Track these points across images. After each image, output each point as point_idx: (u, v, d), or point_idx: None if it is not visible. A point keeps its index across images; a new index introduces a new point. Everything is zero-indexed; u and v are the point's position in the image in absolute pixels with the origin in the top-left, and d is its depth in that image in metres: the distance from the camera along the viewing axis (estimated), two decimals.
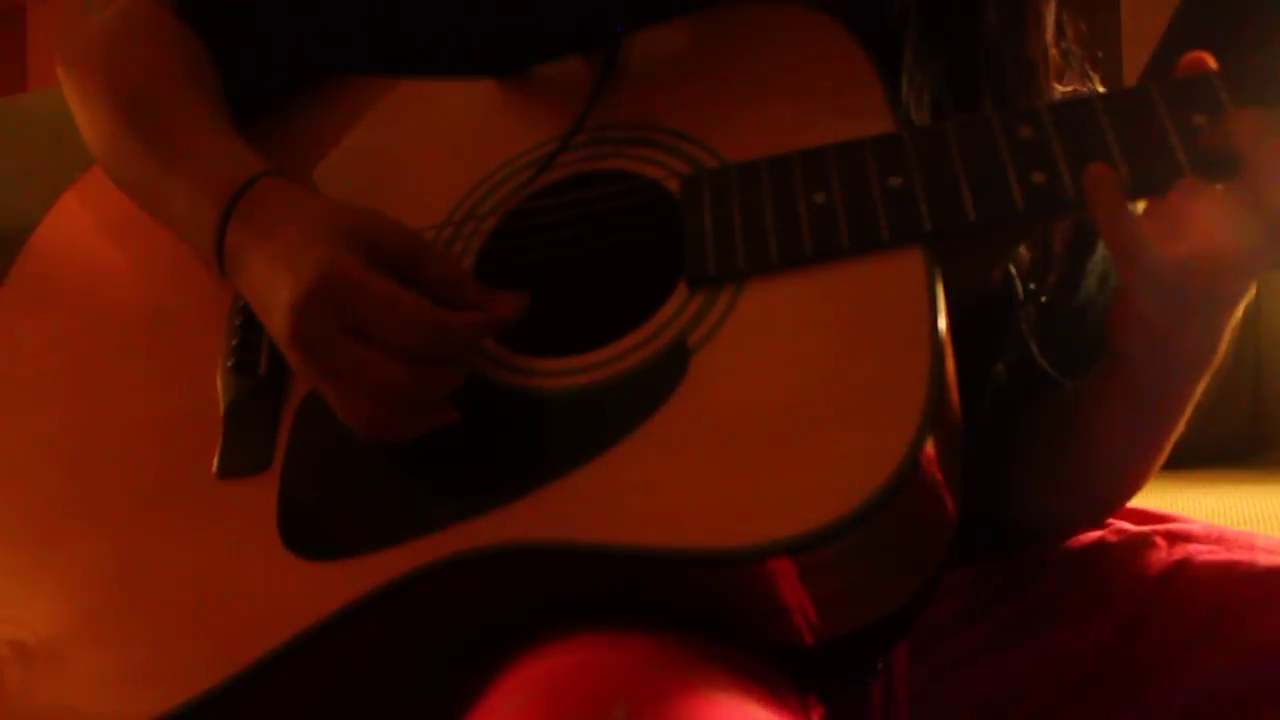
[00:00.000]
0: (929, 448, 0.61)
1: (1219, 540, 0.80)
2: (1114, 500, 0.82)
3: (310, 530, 0.71)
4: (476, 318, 0.69)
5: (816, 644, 0.65)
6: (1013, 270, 0.79)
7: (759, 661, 0.63)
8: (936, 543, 0.66)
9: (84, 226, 0.92)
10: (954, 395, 0.65)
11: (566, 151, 0.78)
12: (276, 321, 0.69)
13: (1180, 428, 0.76)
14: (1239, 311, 0.69)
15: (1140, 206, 0.68)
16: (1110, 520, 0.86)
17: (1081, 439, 0.77)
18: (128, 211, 0.88)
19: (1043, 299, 0.82)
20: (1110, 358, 0.74)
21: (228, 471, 0.75)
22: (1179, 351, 0.70)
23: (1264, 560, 0.76)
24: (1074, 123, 0.68)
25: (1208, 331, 0.69)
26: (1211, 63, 0.67)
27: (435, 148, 0.82)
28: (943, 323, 0.64)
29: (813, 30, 0.77)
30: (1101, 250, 0.86)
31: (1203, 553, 0.79)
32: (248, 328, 0.79)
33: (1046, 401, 0.82)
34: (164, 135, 0.81)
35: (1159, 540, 0.81)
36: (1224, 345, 0.70)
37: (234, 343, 0.78)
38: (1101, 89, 0.88)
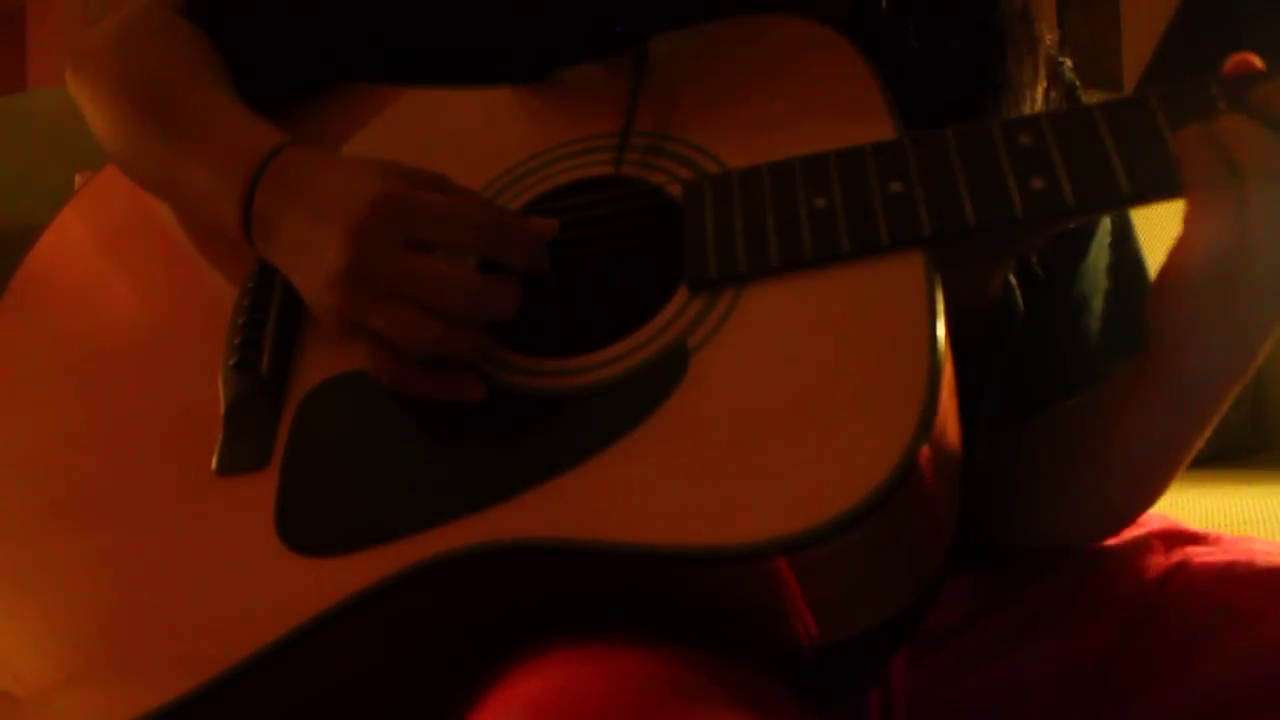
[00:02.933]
0: (926, 450, 0.61)
1: (1216, 542, 0.80)
2: (1126, 515, 0.81)
3: (308, 526, 0.71)
4: (532, 222, 0.72)
5: (814, 650, 0.65)
6: (1012, 280, 0.79)
7: (753, 673, 0.63)
8: (934, 547, 0.67)
9: (84, 235, 0.92)
10: (952, 398, 0.65)
11: (571, 158, 0.79)
12: (330, 261, 0.70)
13: (1202, 442, 0.74)
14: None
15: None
16: None
17: (1096, 450, 0.76)
18: (129, 220, 0.89)
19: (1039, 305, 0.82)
20: (1144, 356, 0.73)
21: (227, 468, 0.75)
22: (1221, 344, 0.68)
23: (1262, 561, 0.76)
24: (1073, 131, 0.68)
25: (1256, 330, 0.68)
26: (1258, 63, 0.66)
27: (444, 153, 0.83)
28: (941, 326, 0.64)
29: (815, 41, 0.78)
30: (1093, 254, 0.86)
31: (1201, 554, 0.79)
32: (251, 326, 0.79)
33: (1053, 414, 0.82)
34: (182, 118, 0.82)
35: (1157, 543, 0.81)
36: (1262, 357, 0.69)
37: (236, 340, 0.79)
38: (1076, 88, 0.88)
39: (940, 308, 0.65)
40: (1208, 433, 0.74)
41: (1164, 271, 0.68)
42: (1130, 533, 0.84)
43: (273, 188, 0.75)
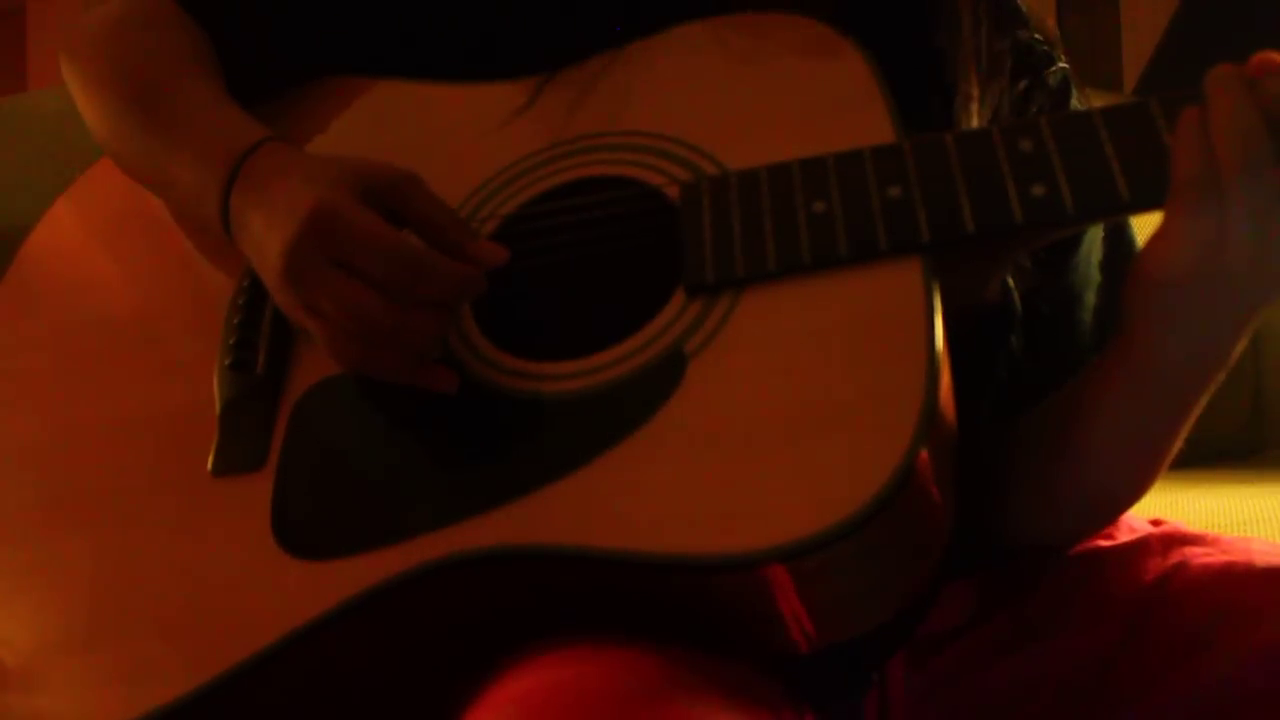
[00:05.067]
0: (924, 457, 0.61)
1: (1214, 543, 0.80)
2: (1111, 509, 0.81)
3: (304, 529, 0.71)
4: (455, 265, 0.71)
5: (810, 653, 0.65)
6: (1010, 283, 0.79)
7: (749, 673, 0.63)
8: (931, 551, 0.66)
9: (78, 230, 0.92)
10: (950, 405, 0.65)
11: (568, 157, 0.79)
12: (272, 264, 0.71)
13: (1181, 439, 0.74)
14: (1258, 317, 0.68)
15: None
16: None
17: (1078, 441, 0.76)
18: (123, 214, 0.89)
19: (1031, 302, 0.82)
20: (1118, 338, 0.73)
21: (223, 469, 0.75)
22: (1194, 337, 0.69)
23: (1261, 561, 0.75)
24: (1073, 136, 0.68)
25: (1229, 326, 0.68)
26: None
27: (436, 151, 0.82)
28: (939, 333, 0.64)
29: (815, 38, 0.77)
30: (1085, 247, 0.86)
31: (1199, 555, 0.78)
32: (246, 326, 0.79)
33: (1037, 410, 0.82)
34: (167, 110, 0.83)
35: (1155, 544, 0.81)
36: (1236, 355, 0.69)
37: (231, 341, 0.78)
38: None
39: (938, 314, 0.64)
40: (1186, 426, 0.74)
41: (1141, 260, 0.69)
42: (1128, 535, 0.83)
43: (244, 188, 0.76)
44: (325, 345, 0.72)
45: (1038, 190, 0.67)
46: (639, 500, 0.64)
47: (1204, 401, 0.72)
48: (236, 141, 0.78)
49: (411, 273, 0.69)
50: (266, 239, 0.72)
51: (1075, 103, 0.88)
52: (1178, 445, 0.75)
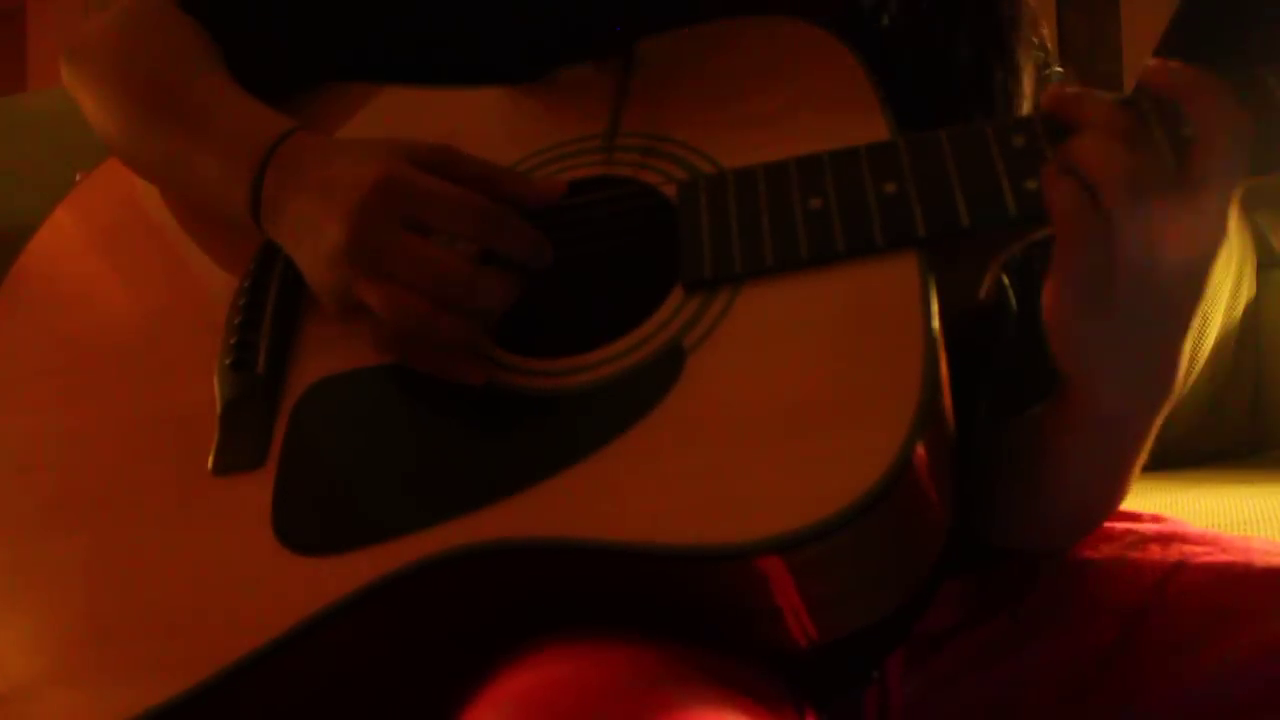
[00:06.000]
0: (921, 450, 0.61)
1: (1214, 542, 0.80)
2: (1086, 522, 0.81)
3: (304, 525, 0.71)
4: (526, 223, 0.73)
5: (810, 649, 0.65)
6: (1005, 281, 0.79)
7: (749, 670, 0.63)
8: (928, 546, 0.67)
9: (80, 234, 0.93)
10: (946, 399, 0.65)
11: (564, 159, 0.79)
12: (330, 240, 0.72)
13: (1143, 457, 0.74)
14: (1191, 333, 0.68)
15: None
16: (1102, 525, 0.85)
17: (1041, 467, 0.77)
18: (125, 217, 0.90)
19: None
20: (1057, 395, 0.73)
21: (224, 468, 0.75)
22: (1127, 372, 0.69)
23: (1260, 561, 0.75)
24: (1067, 132, 0.68)
25: (1159, 351, 0.68)
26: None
27: None
28: (936, 326, 0.64)
29: (809, 42, 0.78)
30: None
31: (1198, 555, 0.78)
32: (247, 326, 0.79)
33: (1010, 428, 0.82)
34: (184, 106, 0.83)
35: (1154, 544, 0.81)
36: (1182, 373, 0.69)
37: (232, 341, 0.79)
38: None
39: (934, 307, 0.65)
40: (1147, 443, 0.73)
41: (1045, 314, 0.68)
42: (1127, 535, 0.84)
43: (281, 171, 0.76)
44: (388, 312, 0.71)
45: (1032, 185, 0.68)
46: (636, 493, 0.65)
47: (1162, 419, 0.72)
48: (264, 132, 0.79)
49: (487, 222, 0.71)
50: (321, 217, 0.73)
51: None
52: (1144, 458, 0.75)
